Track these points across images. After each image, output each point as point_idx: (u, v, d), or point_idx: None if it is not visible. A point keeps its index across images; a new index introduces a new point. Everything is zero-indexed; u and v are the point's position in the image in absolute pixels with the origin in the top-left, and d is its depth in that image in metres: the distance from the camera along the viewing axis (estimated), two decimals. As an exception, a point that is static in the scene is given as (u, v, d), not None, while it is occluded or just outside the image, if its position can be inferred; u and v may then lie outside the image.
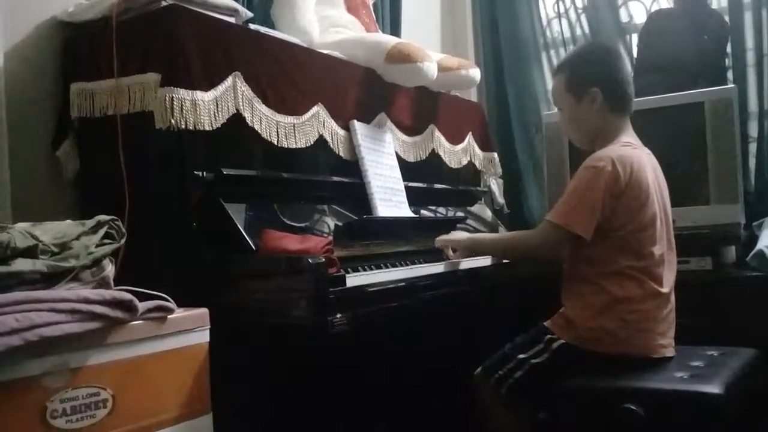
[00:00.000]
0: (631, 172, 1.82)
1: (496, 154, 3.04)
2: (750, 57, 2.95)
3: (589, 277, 1.86)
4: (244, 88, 1.81)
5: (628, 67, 2.00)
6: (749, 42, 2.95)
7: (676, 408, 1.65)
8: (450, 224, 2.53)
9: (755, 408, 1.85)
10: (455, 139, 2.75)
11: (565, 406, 1.82)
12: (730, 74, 3.00)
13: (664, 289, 1.85)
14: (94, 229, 1.40)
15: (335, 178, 2.13)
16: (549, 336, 1.85)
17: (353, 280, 1.66)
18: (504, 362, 1.87)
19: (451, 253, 2.12)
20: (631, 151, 1.89)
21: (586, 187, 1.82)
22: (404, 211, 2.28)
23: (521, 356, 1.84)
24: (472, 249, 2.14)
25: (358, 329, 1.59)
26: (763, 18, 2.91)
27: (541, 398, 1.86)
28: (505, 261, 2.29)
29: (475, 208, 2.83)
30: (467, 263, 2.14)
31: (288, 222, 1.87)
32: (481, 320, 2.36)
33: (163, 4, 1.76)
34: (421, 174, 2.51)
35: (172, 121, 1.63)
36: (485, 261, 2.23)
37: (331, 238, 1.84)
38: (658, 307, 1.83)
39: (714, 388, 1.64)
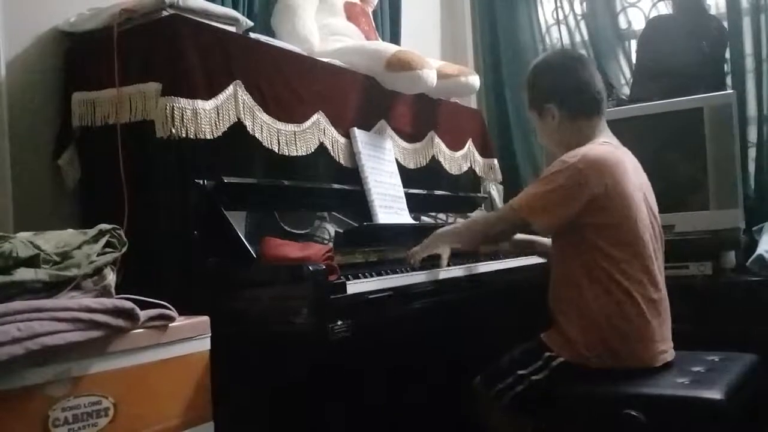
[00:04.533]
0: (604, 171, 1.78)
1: (496, 161, 3.04)
2: (749, 62, 2.96)
3: (582, 289, 1.81)
4: (245, 97, 1.82)
5: (589, 70, 1.96)
6: (748, 47, 2.96)
7: (677, 414, 1.65)
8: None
9: (756, 413, 1.85)
10: (455, 145, 2.76)
11: (565, 413, 1.82)
12: (729, 80, 3.01)
13: (657, 293, 1.83)
14: (95, 238, 1.41)
15: (336, 186, 2.14)
16: (548, 353, 1.82)
17: (354, 287, 1.67)
18: (503, 376, 1.85)
19: (444, 260, 2.03)
20: (608, 148, 1.87)
21: (554, 180, 1.80)
22: (405, 217, 2.29)
23: (521, 372, 1.83)
24: (432, 247, 2.01)
25: (358, 336, 1.59)
26: (761, 23, 2.92)
27: (541, 407, 1.85)
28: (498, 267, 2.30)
29: (475, 214, 2.83)
30: (470, 269, 2.14)
31: (288, 229, 1.87)
32: (481, 326, 2.37)
33: (164, 14, 1.77)
34: (421, 180, 2.52)
35: (173, 130, 1.64)
36: (487, 267, 2.24)
37: (331, 245, 1.85)
38: (654, 314, 1.81)
39: (715, 394, 1.64)
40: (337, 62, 2.27)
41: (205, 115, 1.70)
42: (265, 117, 1.88)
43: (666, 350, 1.84)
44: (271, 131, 1.89)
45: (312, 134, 2.03)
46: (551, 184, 1.81)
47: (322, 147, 2.07)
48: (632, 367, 1.78)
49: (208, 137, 1.71)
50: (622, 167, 1.83)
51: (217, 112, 1.74)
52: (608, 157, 1.83)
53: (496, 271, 2.28)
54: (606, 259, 1.79)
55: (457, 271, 2.09)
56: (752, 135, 2.96)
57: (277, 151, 1.90)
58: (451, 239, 2.05)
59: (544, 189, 1.82)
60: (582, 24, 3.45)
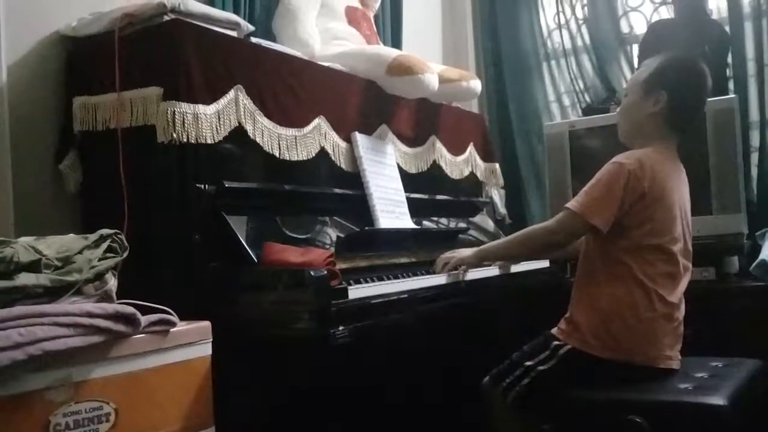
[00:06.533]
0: (655, 175, 1.83)
1: (497, 165, 3.04)
2: (751, 67, 2.96)
3: (599, 279, 1.86)
4: (245, 101, 1.82)
5: (706, 98, 1.99)
6: (750, 52, 2.96)
7: (681, 420, 1.64)
8: (452, 235, 2.53)
9: (760, 419, 1.84)
10: (457, 150, 2.75)
11: (569, 417, 1.81)
12: (731, 84, 3.01)
13: (674, 300, 1.85)
14: (96, 243, 1.41)
15: (337, 190, 2.13)
16: (556, 342, 1.85)
17: (355, 292, 1.66)
18: (511, 370, 1.87)
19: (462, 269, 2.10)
20: (663, 159, 1.90)
21: (609, 181, 1.83)
22: (406, 222, 2.28)
23: (528, 363, 1.85)
24: (483, 260, 2.12)
25: (360, 341, 1.59)
26: (763, 28, 2.93)
27: (547, 408, 1.85)
28: (511, 270, 2.29)
29: (477, 219, 2.83)
30: (470, 274, 2.13)
31: (290, 234, 1.87)
32: (484, 331, 2.36)
33: (165, 18, 1.77)
34: (422, 185, 2.51)
35: (174, 135, 1.64)
36: (489, 272, 2.23)
37: (332, 250, 1.84)
38: (666, 318, 1.83)
39: (718, 400, 1.63)
40: (338, 66, 2.27)
41: (206, 120, 1.70)
42: (266, 121, 1.88)
43: (672, 357, 1.84)
44: (272, 136, 1.89)
45: (313, 139, 2.03)
46: (607, 185, 1.83)
47: (323, 151, 2.07)
48: (635, 362, 1.79)
49: (209, 142, 1.71)
50: (667, 175, 1.87)
51: (218, 117, 1.74)
52: (662, 164, 1.87)
53: (500, 275, 2.28)
54: (632, 257, 1.82)
55: (460, 276, 2.09)
56: (755, 139, 2.96)
57: (278, 156, 1.90)
58: (498, 256, 2.16)
59: (601, 189, 1.84)
60: (584, 28, 3.45)
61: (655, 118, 1.93)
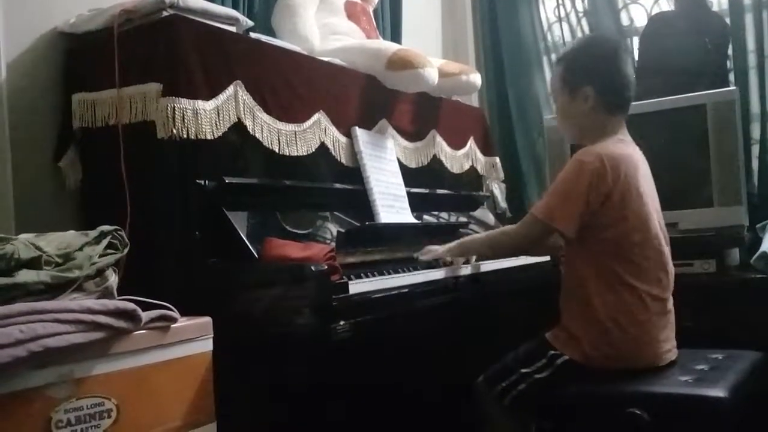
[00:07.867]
0: (619, 170, 1.77)
1: (497, 159, 3.03)
2: (751, 59, 2.95)
3: (589, 288, 1.81)
4: (245, 97, 1.82)
5: (629, 66, 1.93)
6: (750, 44, 2.95)
7: (681, 412, 1.65)
8: (453, 229, 2.53)
9: (760, 411, 1.84)
10: (457, 144, 2.75)
11: (569, 412, 1.82)
12: (731, 76, 3.00)
13: (664, 294, 1.83)
14: (97, 240, 1.41)
15: (337, 185, 2.13)
16: (552, 352, 1.82)
17: (356, 287, 1.66)
18: (507, 374, 1.85)
19: (448, 259, 2.08)
20: (623, 148, 1.85)
21: (571, 182, 1.78)
22: (406, 217, 2.28)
23: (524, 370, 1.82)
24: (460, 254, 2.07)
25: (361, 336, 1.59)
26: (763, 19, 2.91)
27: (544, 407, 1.85)
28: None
29: (478, 213, 2.83)
30: (470, 268, 2.13)
31: (290, 229, 1.87)
32: (484, 326, 2.36)
33: (164, 14, 1.77)
34: (422, 180, 2.51)
35: (174, 131, 1.64)
36: (489, 266, 2.23)
37: (333, 245, 1.85)
38: (660, 314, 1.81)
39: (718, 392, 1.63)
40: (337, 61, 2.27)
41: (206, 116, 1.70)
42: (266, 117, 1.87)
43: (670, 349, 1.84)
44: (271, 131, 1.89)
45: (313, 134, 2.02)
46: (569, 186, 1.79)
47: (323, 146, 2.07)
48: (637, 367, 1.78)
49: (209, 137, 1.71)
50: (634, 166, 1.83)
51: (218, 113, 1.74)
52: (623, 156, 1.82)
53: (500, 270, 2.27)
54: (616, 259, 1.78)
55: (460, 271, 2.09)
56: (755, 132, 2.95)
57: (278, 151, 1.90)
58: (475, 254, 2.11)
59: (563, 192, 1.80)
60: (584, 21, 3.44)
61: (595, 113, 1.89)
